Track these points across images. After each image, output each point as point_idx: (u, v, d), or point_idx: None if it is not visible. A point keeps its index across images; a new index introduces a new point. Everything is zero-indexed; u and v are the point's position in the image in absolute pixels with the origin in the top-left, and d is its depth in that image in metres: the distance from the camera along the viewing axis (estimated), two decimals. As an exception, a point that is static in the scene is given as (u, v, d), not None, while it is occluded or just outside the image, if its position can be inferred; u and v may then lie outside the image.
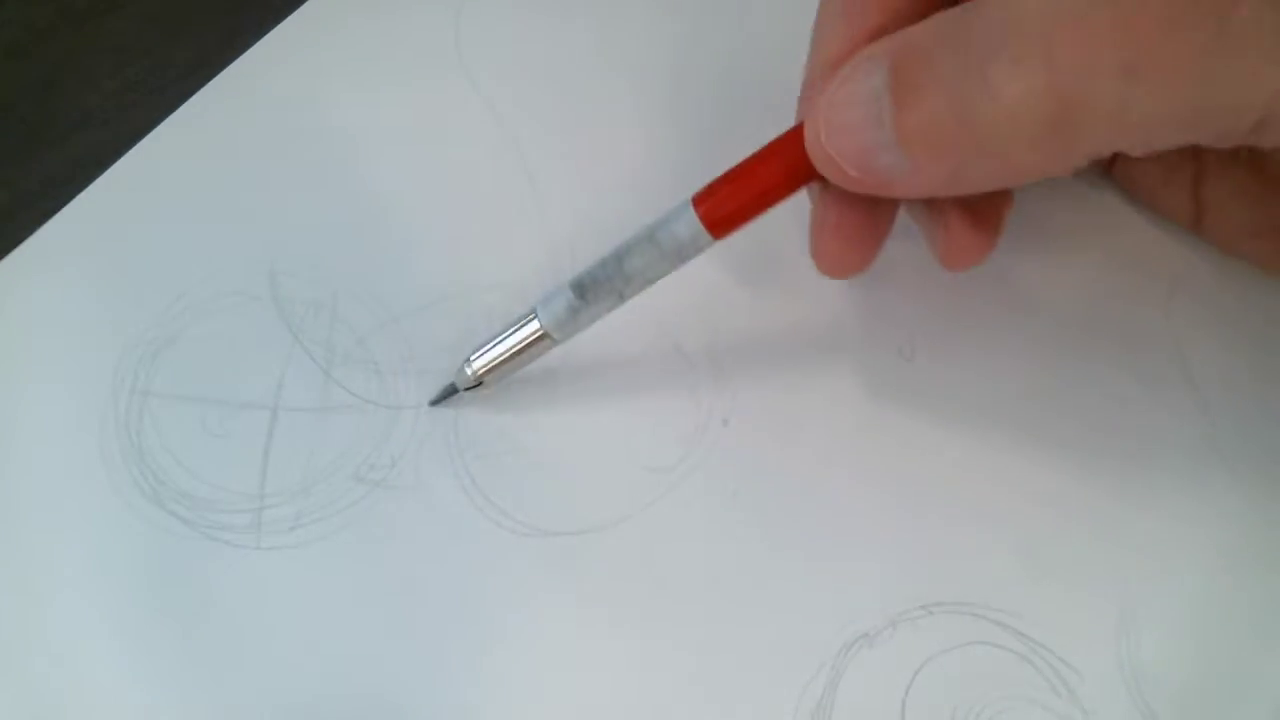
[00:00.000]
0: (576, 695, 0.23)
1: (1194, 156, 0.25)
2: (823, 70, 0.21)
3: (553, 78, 0.31)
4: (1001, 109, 0.17)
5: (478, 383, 0.25)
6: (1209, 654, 0.23)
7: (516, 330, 0.24)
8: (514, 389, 0.26)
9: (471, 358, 0.25)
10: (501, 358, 0.25)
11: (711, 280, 0.27)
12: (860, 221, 0.22)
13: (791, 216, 0.25)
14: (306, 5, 0.32)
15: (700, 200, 0.22)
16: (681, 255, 0.23)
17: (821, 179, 0.21)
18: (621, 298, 0.23)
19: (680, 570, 0.24)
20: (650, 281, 0.23)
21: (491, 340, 0.25)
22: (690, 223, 0.22)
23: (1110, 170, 0.27)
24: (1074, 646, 0.23)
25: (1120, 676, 0.23)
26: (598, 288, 0.23)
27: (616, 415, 0.26)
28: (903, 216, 0.24)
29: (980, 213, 0.22)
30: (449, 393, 0.26)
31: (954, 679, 0.23)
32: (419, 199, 0.29)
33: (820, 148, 0.20)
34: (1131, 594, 0.24)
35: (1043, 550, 0.24)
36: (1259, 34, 0.15)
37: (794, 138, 0.21)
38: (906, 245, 0.27)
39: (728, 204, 0.22)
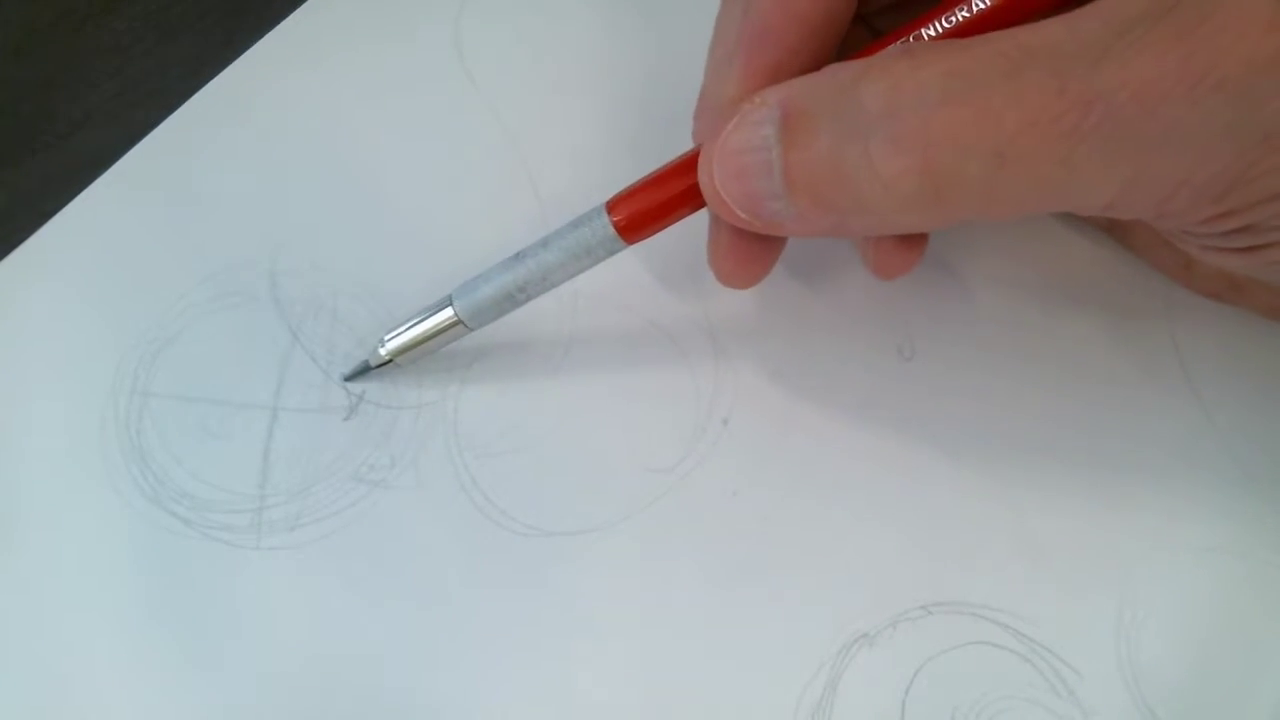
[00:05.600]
0: (577, 695, 0.23)
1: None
2: (717, 102, 0.22)
3: (553, 77, 0.31)
4: (879, 181, 0.18)
5: (388, 360, 0.26)
6: (1209, 654, 0.23)
7: (431, 315, 0.25)
8: (514, 388, 0.26)
9: (385, 338, 0.25)
10: (414, 341, 0.25)
11: (712, 281, 0.27)
12: (751, 245, 0.23)
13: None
14: (306, 5, 0.32)
15: (614, 206, 0.22)
16: (593, 257, 0.23)
17: None
18: (530, 294, 0.24)
19: (680, 570, 0.24)
20: (560, 280, 0.24)
21: (406, 323, 0.25)
22: (603, 227, 0.22)
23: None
24: (1074, 646, 0.23)
25: (1120, 676, 0.23)
26: (508, 279, 0.24)
27: (616, 415, 0.26)
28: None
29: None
30: (362, 369, 0.26)
31: (954, 679, 0.23)
32: (419, 199, 0.29)
33: (713, 189, 0.21)
34: (1131, 593, 0.24)
35: (1042, 550, 0.24)
36: (1106, 138, 0.17)
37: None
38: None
39: (640, 213, 0.22)
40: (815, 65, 0.20)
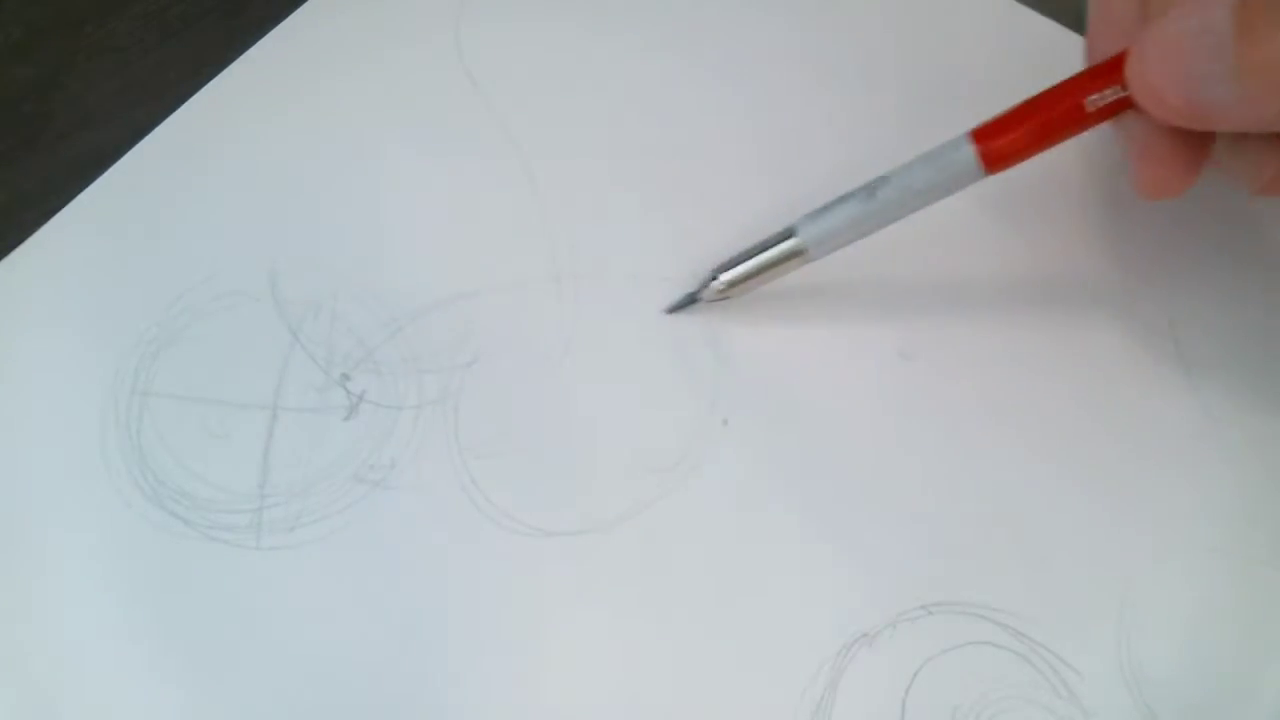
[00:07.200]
0: (577, 695, 0.23)
1: None
2: (1111, 14, 0.22)
3: (552, 77, 0.31)
4: None
5: (722, 292, 0.26)
6: (1209, 654, 0.23)
7: (772, 246, 0.25)
8: (514, 388, 0.26)
9: (716, 272, 0.26)
10: (751, 271, 0.25)
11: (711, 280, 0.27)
12: (1180, 149, 0.23)
13: (786, 219, 0.25)
14: (306, 5, 0.32)
15: (982, 135, 0.23)
16: (948, 188, 0.23)
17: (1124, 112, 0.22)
18: (879, 224, 0.24)
19: (680, 570, 0.24)
20: (910, 211, 0.24)
21: (742, 254, 0.25)
22: (966, 157, 0.23)
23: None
24: (1074, 646, 0.23)
25: (1120, 676, 0.23)
26: (859, 207, 0.24)
27: (616, 415, 0.26)
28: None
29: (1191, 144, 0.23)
30: (687, 302, 0.26)
31: (954, 679, 0.23)
32: (419, 199, 0.29)
33: (1143, 76, 0.21)
34: (1131, 593, 0.24)
35: (1042, 550, 0.24)
36: None
37: (1093, 76, 0.22)
38: (906, 246, 0.27)
39: (1014, 142, 0.22)
40: None
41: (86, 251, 0.28)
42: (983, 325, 0.27)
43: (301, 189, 0.29)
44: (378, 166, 0.29)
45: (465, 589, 0.24)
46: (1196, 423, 0.25)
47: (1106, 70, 0.22)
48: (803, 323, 0.27)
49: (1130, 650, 0.23)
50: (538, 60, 0.31)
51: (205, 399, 0.26)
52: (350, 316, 0.27)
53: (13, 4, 0.32)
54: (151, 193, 0.29)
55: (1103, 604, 0.24)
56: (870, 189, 0.24)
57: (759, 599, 0.24)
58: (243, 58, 0.31)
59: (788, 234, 0.25)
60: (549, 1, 0.32)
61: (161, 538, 0.25)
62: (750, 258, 0.25)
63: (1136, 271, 0.27)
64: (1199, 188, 0.27)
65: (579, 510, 0.25)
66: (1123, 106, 0.22)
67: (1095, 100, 0.22)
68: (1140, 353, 0.26)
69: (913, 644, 0.23)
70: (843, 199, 0.24)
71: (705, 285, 0.26)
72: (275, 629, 0.24)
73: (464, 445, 0.26)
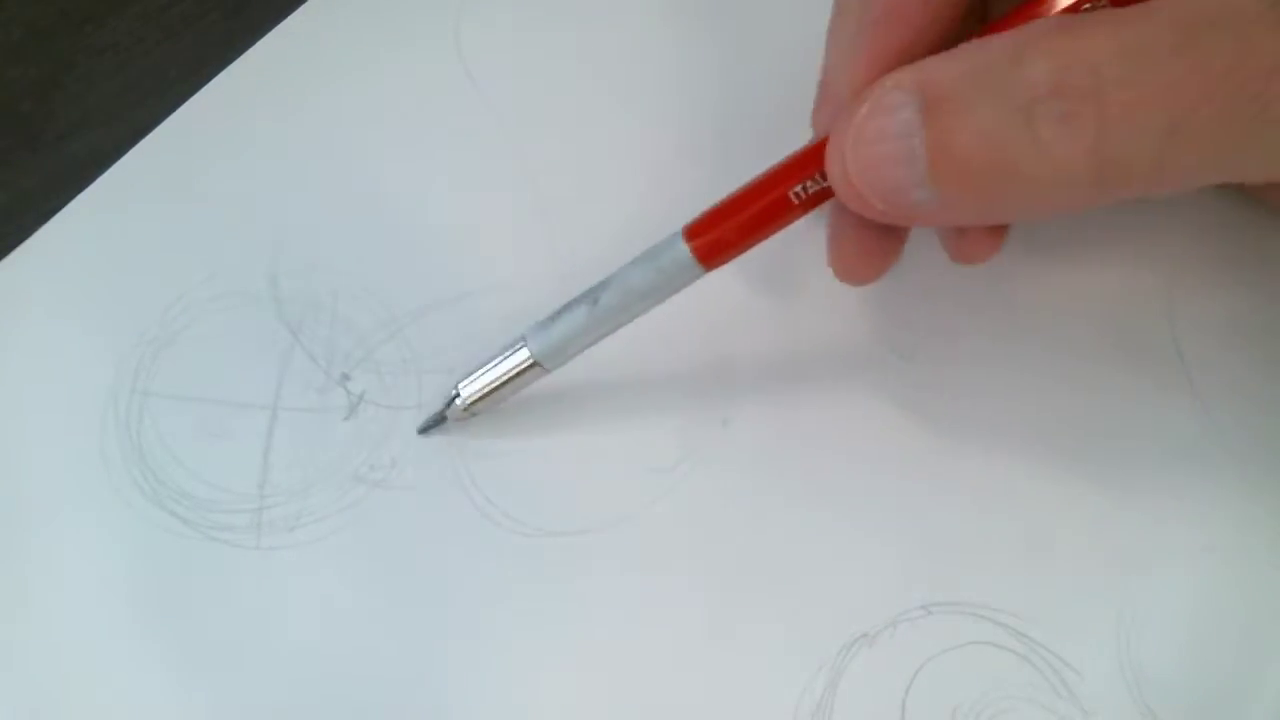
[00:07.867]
0: (576, 695, 0.23)
1: None
2: (839, 92, 0.21)
3: (553, 78, 0.31)
4: (1046, 163, 0.17)
5: (465, 410, 0.25)
6: (1209, 653, 0.23)
7: (505, 359, 0.24)
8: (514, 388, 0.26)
9: (460, 387, 0.25)
10: (491, 387, 0.24)
11: (712, 281, 0.27)
12: (877, 237, 0.23)
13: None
14: (307, 5, 0.32)
15: (694, 232, 0.22)
16: (672, 287, 0.22)
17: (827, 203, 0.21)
18: (607, 329, 0.23)
19: (680, 570, 0.24)
20: (638, 313, 0.23)
21: (480, 369, 0.25)
22: (681, 255, 0.22)
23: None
24: (1074, 646, 0.23)
25: (1120, 676, 0.23)
26: (584, 315, 0.23)
27: (616, 415, 0.26)
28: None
29: None
30: (436, 421, 0.25)
31: (954, 679, 0.23)
32: (419, 199, 0.29)
33: (845, 181, 0.20)
34: (1131, 594, 0.24)
35: (1043, 550, 0.24)
36: None
37: (796, 166, 0.21)
38: (906, 246, 0.27)
39: (724, 237, 0.21)
40: (942, 46, 0.19)
41: (86, 251, 0.28)
42: (982, 325, 0.27)
43: (301, 189, 0.29)
44: (378, 166, 0.29)
45: (465, 589, 0.24)
46: (1196, 423, 0.25)
47: (810, 158, 0.21)
48: (803, 323, 0.27)
49: (1130, 650, 0.23)
50: (538, 60, 0.31)
51: (205, 399, 0.26)
52: (350, 316, 0.27)
53: (13, 4, 0.32)
54: (151, 193, 0.29)
55: (1103, 604, 0.24)
56: (593, 295, 0.23)
57: (758, 599, 0.24)
58: (243, 58, 0.31)
59: (518, 345, 0.24)
60: (549, 2, 0.32)
61: (161, 538, 0.25)
62: (487, 371, 0.24)
63: (1136, 271, 0.27)
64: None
65: (579, 510, 0.25)
66: (828, 196, 0.21)
67: (800, 191, 0.21)
68: (1140, 353, 0.26)
69: (913, 644, 0.23)
70: (568, 306, 0.23)
71: (449, 404, 0.25)
72: (275, 629, 0.24)
73: (464, 445, 0.26)
